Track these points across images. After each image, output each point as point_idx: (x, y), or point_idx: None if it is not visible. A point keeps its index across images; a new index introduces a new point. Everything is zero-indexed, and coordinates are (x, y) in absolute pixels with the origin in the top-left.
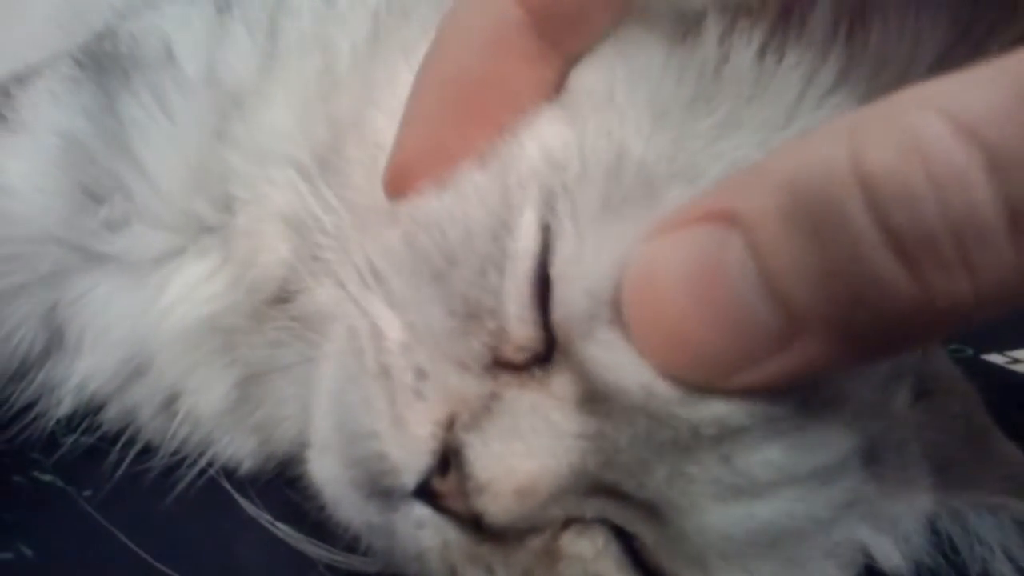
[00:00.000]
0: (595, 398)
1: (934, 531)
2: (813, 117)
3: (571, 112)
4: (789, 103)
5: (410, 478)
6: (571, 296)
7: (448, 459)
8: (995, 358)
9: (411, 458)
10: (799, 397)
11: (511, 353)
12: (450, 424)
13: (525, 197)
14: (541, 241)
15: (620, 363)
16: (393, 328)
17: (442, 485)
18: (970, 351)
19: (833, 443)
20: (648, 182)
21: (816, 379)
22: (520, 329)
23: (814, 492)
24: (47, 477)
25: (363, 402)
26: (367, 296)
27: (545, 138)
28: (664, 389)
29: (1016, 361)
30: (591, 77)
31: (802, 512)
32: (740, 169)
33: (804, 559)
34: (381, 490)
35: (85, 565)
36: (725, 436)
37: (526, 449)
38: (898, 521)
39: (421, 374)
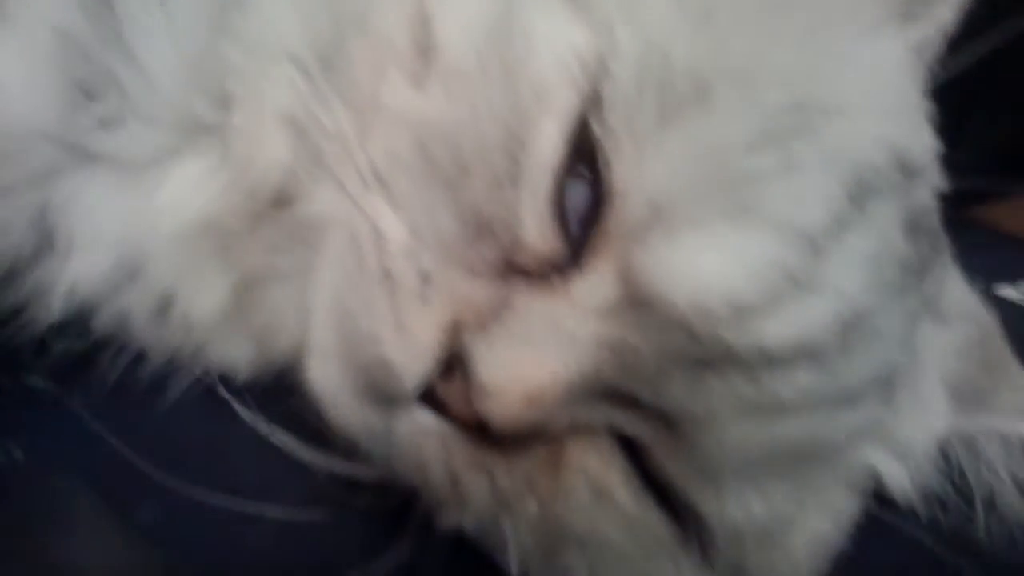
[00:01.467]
0: (632, 305)
1: (944, 456)
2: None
3: (589, 14)
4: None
5: (412, 383)
6: (632, 206)
7: (452, 364)
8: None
9: (414, 363)
10: (839, 327)
11: (525, 261)
12: (455, 329)
13: (544, 108)
14: (564, 154)
15: (672, 275)
16: (396, 230)
17: (446, 390)
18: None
19: (860, 371)
20: (700, 86)
21: (857, 313)
22: (538, 239)
23: (835, 415)
24: (38, 382)
25: (364, 307)
26: (369, 197)
27: (566, 43)
28: (716, 307)
29: None
30: None
31: (821, 433)
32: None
33: (818, 482)
34: (383, 396)
35: (76, 468)
36: (759, 358)
37: (536, 355)
38: (911, 446)
39: (426, 278)
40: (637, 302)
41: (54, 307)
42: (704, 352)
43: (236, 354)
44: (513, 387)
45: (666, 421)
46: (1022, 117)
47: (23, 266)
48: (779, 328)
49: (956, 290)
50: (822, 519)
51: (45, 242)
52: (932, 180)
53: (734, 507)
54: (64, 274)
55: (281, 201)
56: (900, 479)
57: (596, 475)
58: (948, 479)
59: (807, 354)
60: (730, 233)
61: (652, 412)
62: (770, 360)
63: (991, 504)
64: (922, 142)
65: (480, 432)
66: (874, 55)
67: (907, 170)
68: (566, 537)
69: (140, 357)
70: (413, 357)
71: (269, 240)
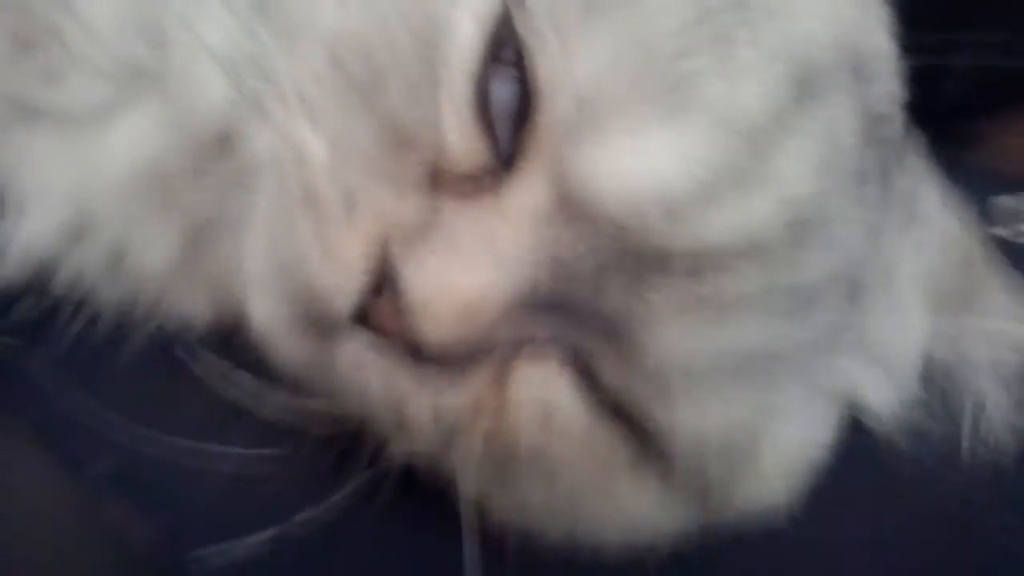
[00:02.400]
0: (565, 209)
1: (930, 359)
2: None
3: None
4: None
5: (344, 304)
6: (561, 105)
7: (383, 284)
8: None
9: (343, 282)
10: (784, 223)
11: (451, 169)
12: (383, 244)
13: (458, 5)
14: (483, 54)
15: (603, 174)
16: (316, 150)
17: (378, 310)
18: None
19: (812, 268)
20: None
21: (806, 211)
22: (461, 145)
23: (790, 313)
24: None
25: (290, 232)
26: (292, 121)
27: None
28: (649, 205)
29: None
30: None
31: (776, 332)
32: None
33: (786, 390)
34: (318, 323)
35: (38, 419)
36: (698, 254)
37: (466, 264)
38: (890, 350)
39: (349, 195)
40: (570, 206)
41: (10, 267)
42: (641, 253)
43: (191, 304)
44: (443, 301)
45: (610, 329)
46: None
47: None
48: (718, 224)
49: (933, 197)
50: (794, 430)
51: None
52: (889, 87)
53: (688, 414)
54: (18, 233)
55: (224, 144)
56: (882, 388)
57: (545, 391)
58: (935, 383)
59: (749, 250)
60: (662, 129)
61: (595, 321)
62: (711, 257)
63: (980, 405)
64: (875, 46)
65: (417, 351)
66: None
67: (858, 73)
68: (520, 456)
69: (97, 312)
70: (342, 278)
71: (214, 185)
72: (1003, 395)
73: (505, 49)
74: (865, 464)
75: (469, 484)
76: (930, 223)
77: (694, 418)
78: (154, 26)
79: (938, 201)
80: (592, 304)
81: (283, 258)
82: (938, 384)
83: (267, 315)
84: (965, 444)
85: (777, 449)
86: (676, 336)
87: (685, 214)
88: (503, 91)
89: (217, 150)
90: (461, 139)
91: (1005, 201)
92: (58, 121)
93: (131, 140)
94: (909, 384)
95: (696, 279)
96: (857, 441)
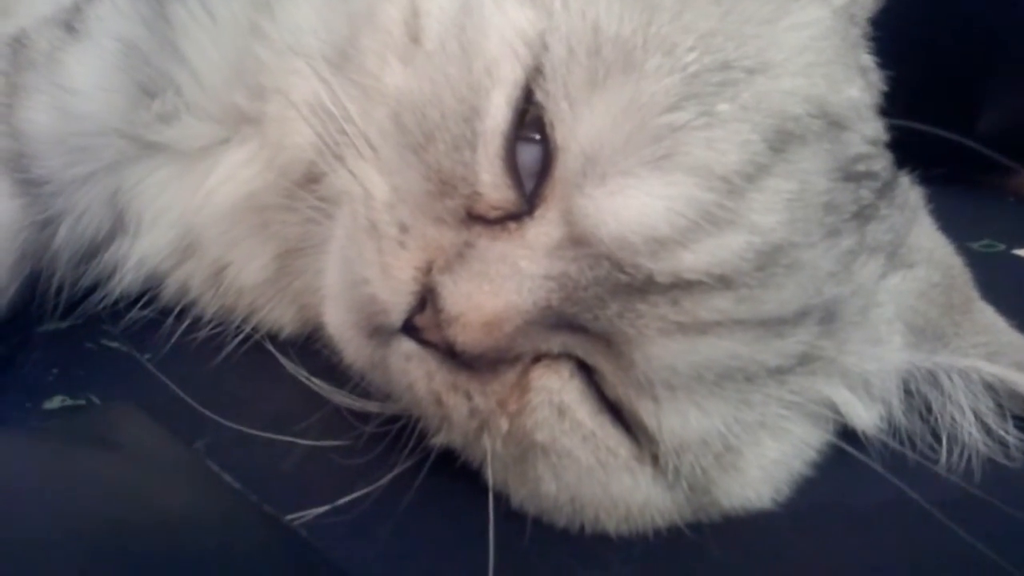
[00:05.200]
0: (573, 243)
1: (908, 392)
2: None
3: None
4: None
5: (397, 316)
6: (571, 159)
7: (427, 299)
8: None
9: (396, 298)
10: (754, 257)
11: (485, 210)
12: (428, 269)
13: (494, 81)
14: (511, 119)
15: (601, 215)
16: (380, 190)
17: (421, 320)
18: (1002, 246)
19: (783, 300)
20: (626, 54)
21: (774, 243)
22: (493, 190)
23: (761, 339)
24: (113, 343)
25: (358, 254)
26: (361, 165)
27: (512, 25)
28: (636, 240)
29: None
30: None
31: (747, 355)
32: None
33: (758, 404)
34: (376, 328)
35: (144, 411)
36: (678, 284)
37: (492, 288)
38: (868, 379)
39: (403, 227)
40: (576, 240)
41: (126, 279)
42: (631, 280)
43: (280, 314)
44: (473, 314)
45: (608, 343)
46: None
47: (100, 245)
48: (694, 257)
49: (924, 238)
50: (775, 445)
51: (118, 223)
52: (866, 131)
53: (672, 419)
54: (133, 251)
55: (311, 179)
56: (858, 410)
57: (557, 395)
58: (916, 413)
59: (722, 279)
60: (650, 177)
61: (596, 336)
62: (687, 285)
63: (954, 438)
64: (848, 95)
65: (453, 356)
66: (796, 20)
67: (831, 120)
68: (535, 450)
69: (199, 320)
70: (395, 293)
71: (301, 214)
72: (978, 430)
73: (531, 115)
74: (843, 487)
75: (495, 466)
76: (916, 264)
77: (677, 420)
78: (252, 76)
79: (927, 242)
80: (594, 324)
81: (352, 276)
82: (917, 414)
83: (338, 321)
84: (941, 473)
85: (760, 459)
86: (659, 353)
87: (667, 250)
88: (532, 149)
89: (304, 186)
90: (493, 186)
91: None
92: (172, 155)
93: (232, 174)
94: (894, 412)
95: (675, 307)
96: (836, 464)
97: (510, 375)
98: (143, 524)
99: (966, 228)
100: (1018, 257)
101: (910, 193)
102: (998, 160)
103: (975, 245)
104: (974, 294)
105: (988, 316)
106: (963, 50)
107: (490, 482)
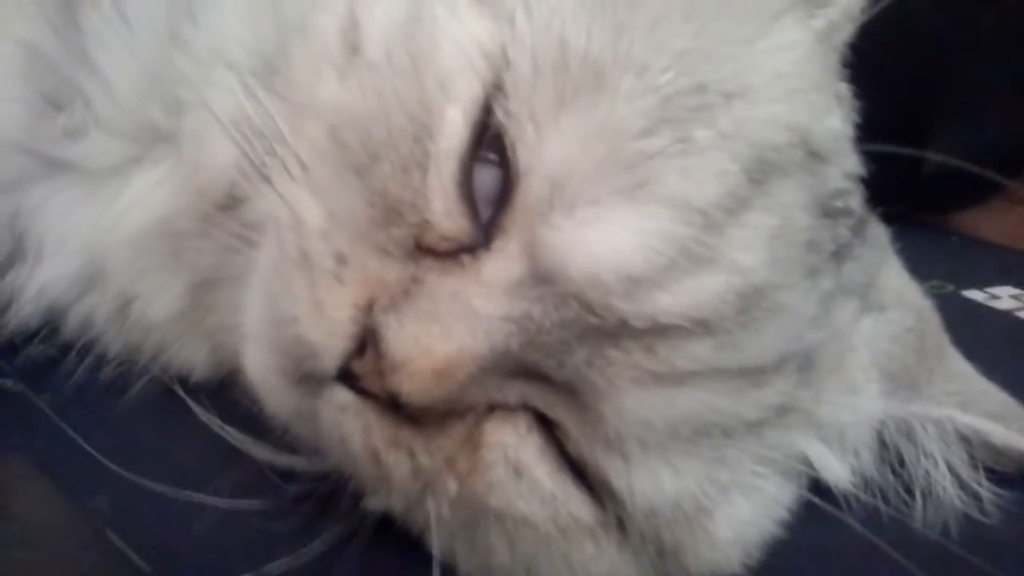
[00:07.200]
0: (536, 281)
1: (882, 443)
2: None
3: (493, 9)
4: None
5: (330, 361)
6: (536, 185)
7: (367, 342)
8: (974, 294)
9: (330, 341)
10: (735, 300)
11: (435, 242)
12: (369, 308)
13: (448, 97)
14: (468, 139)
15: (569, 249)
16: (313, 215)
17: (360, 366)
18: (951, 287)
19: (765, 347)
20: (596, 72)
21: (755, 287)
22: (446, 219)
23: (741, 390)
24: (7, 382)
25: (285, 289)
26: (290, 187)
27: (469, 37)
28: (609, 279)
29: (994, 297)
30: None
31: (727, 408)
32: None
33: (733, 461)
34: (305, 375)
35: (38, 461)
36: (653, 329)
37: (443, 331)
38: (843, 431)
39: (341, 259)
40: (540, 278)
41: (24, 311)
42: (601, 323)
43: (192, 353)
44: (421, 361)
45: (573, 394)
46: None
47: None
48: (672, 299)
49: (894, 279)
50: (747, 504)
51: (17, 248)
52: (846, 165)
53: (644, 481)
54: (33, 279)
55: (230, 203)
56: (832, 463)
57: (513, 452)
58: (888, 466)
59: (701, 324)
60: (623, 208)
61: (560, 386)
62: (664, 330)
63: (928, 491)
64: (829, 125)
65: (396, 408)
66: (776, 42)
67: (812, 152)
68: (487, 516)
69: (103, 358)
70: (329, 334)
71: (219, 242)
72: (951, 482)
73: (488, 135)
74: (817, 542)
75: (441, 535)
76: (888, 306)
77: (648, 482)
78: (169, 88)
79: (897, 284)
80: (558, 373)
81: (278, 314)
82: (889, 467)
83: (260, 366)
84: (915, 526)
85: (731, 520)
86: (632, 406)
87: (642, 290)
88: (490, 174)
89: (223, 210)
90: (445, 214)
91: None
92: (79, 175)
93: (144, 196)
94: (866, 465)
95: (650, 354)
96: (810, 519)
97: (459, 428)
98: None
99: (913, 268)
100: (968, 300)
101: (879, 231)
102: (992, 178)
103: (923, 285)
104: (945, 339)
105: (958, 363)
106: (911, 88)
107: (435, 551)
